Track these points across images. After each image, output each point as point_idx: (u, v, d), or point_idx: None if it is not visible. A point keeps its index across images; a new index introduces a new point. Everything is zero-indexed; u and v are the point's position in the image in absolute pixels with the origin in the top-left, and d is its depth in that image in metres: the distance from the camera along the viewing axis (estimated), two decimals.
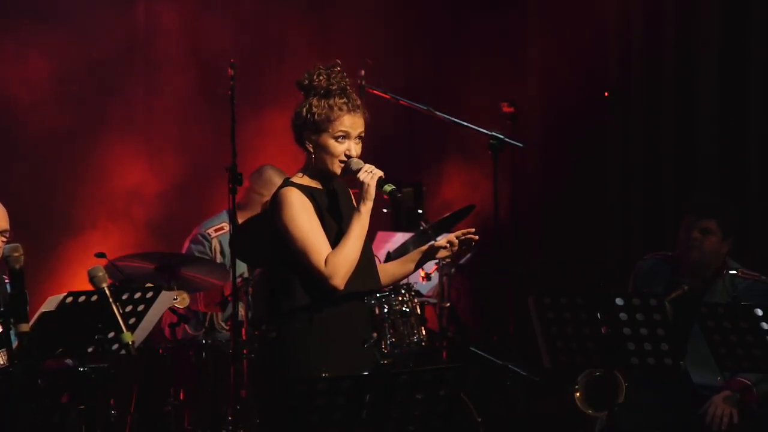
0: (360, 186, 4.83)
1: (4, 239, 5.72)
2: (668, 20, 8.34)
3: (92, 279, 4.88)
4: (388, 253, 7.26)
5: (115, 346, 5.11)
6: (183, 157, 8.48)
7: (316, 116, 4.86)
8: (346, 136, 4.87)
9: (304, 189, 4.90)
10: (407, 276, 5.31)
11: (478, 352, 7.22)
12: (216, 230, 7.39)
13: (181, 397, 6.83)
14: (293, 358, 4.82)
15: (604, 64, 8.66)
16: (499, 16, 9.00)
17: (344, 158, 4.87)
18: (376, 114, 5.08)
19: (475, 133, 6.83)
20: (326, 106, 4.86)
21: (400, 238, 7.66)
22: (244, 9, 8.77)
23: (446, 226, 7.37)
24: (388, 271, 5.21)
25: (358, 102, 4.91)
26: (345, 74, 4.92)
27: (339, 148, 4.87)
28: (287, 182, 4.94)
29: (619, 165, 8.57)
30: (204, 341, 7.07)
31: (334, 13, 8.88)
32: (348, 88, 4.91)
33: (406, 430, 4.27)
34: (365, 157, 4.96)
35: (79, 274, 5.49)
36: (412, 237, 7.39)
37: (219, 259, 7.31)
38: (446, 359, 7.25)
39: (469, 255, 7.58)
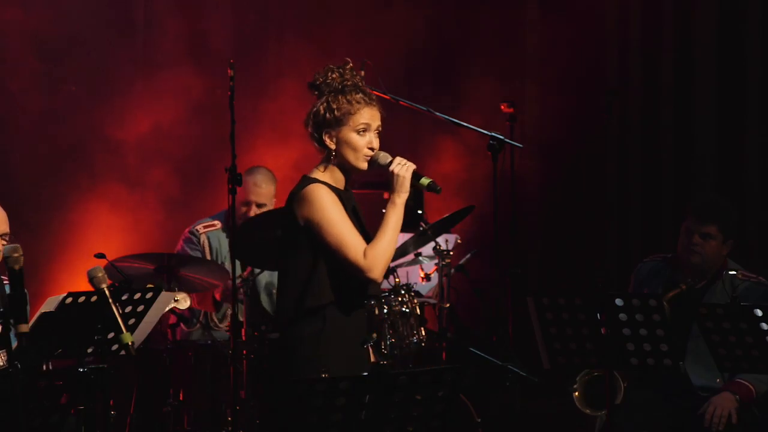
0: (394, 178, 4.82)
1: (5, 242, 5.72)
2: (667, 20, 8.35)
3: (92, 280, 4.89)
4: None
5: (115, 347, 5.11)
6: (183, 157, 8.47)
7: (336, 112, 4.86)
8: (367, 128, 4.88)
9: (329, 186, 4.89)
10: None
11: (478, 352, 7.21)
12: (205, 227, 7.39)
13: (181, 398, 6.83)
14: (309, 359, 4.78)
15: (603, 64, 8.66)
16: (498, 15, 8.99)
17: (368, 152, 4.88)
18: None
19: (475, 133, 6.82)
20: (344, 101, 4.86)
21: (399, 238, 7.63)
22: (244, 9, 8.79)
23: (446, 227, 7.36)
24: None
25: (374, 96, 4.94)
26: (356, 72, 4.94)
27: (361, 141, 4.86)
28: (310, 179, 4.91)
29: (618, 166, 8.57)
30: (203, 342, 7.07)
31: (334, 13, 8.87)
32: (360, 84, 4.93)
33: (405, 430, 4.27)
34: None
35: (79, 274, 5.49)
36: (411, 237, 7.38)
37: (207, 254, 7.31)
38: (446, 360, 7.25)
39: (468, 255, 7.61)
